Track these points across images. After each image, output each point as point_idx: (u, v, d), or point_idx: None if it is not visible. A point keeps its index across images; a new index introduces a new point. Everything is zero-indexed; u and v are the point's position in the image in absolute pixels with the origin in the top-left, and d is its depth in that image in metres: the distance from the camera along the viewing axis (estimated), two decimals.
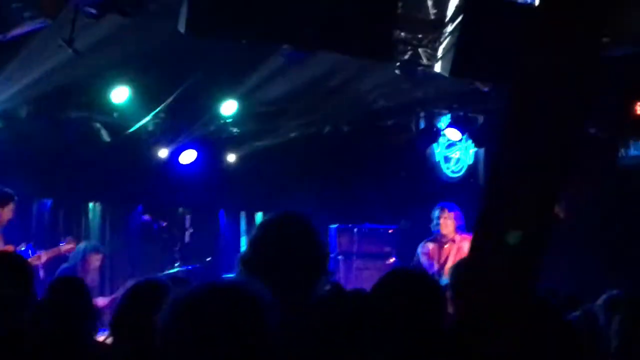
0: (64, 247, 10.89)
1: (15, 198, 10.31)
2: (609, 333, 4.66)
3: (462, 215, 10.47)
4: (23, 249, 10.53)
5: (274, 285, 3.98)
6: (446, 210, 10.48)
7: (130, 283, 4.22)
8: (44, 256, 10.56)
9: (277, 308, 2.71)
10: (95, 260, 10.87)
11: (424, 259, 10.49)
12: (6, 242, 10.26)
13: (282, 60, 10.00)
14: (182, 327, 2.56)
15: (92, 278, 10.68)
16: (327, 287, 4.17)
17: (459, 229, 10.42)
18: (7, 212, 10.24)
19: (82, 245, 11.03)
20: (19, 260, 5.16)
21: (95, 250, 11.01)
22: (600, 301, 5.06)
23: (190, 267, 11.47)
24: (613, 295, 5.05)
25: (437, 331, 3.55)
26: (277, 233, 4.03)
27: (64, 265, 10.80)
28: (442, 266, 10.32)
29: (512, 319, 2.61)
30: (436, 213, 10.51)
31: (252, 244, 4.06)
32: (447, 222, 10.40)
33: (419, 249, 10.62)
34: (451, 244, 10.41)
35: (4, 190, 10.21)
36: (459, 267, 5.27)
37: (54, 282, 5.15)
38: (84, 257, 10.79)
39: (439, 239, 10.48)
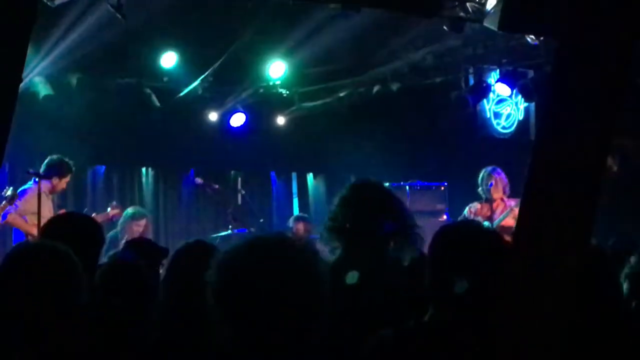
0: (111, 212, 10.92)
1: (73, 170, 10.38)
2: None
3: (505, 177, 10.55)
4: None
5: (361, 245, 4.16)
6: (495, 175, 10.53)
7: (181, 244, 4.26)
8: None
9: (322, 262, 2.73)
10: (137, 227, 10.87)
11: (469, 216, 10.59)
12: (60, 208, 10.34)
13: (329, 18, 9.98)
14: (231, 279, 2.58)
15: None
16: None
17: (505, 191, 10.49)
18: (63, 183, 10.32)
19: (128, 210, 11.06)
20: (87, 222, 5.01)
21: (138, 217, 10.99)
22: None
23: (243, 230, 11.51)
24: None
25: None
26: (362, 196, 4.29)
27: (111, 232, 10.88)
28: (488, 220, 10.37)
29: (566, 276, 2.61)
30: (485, 178, 10.56)
31: (340, 205, 4.31)
32: (496, 187, 10.46)
33: (467, 209, 10.72)
34: (499, 202, 10.47)
35: (65, 161, 10.26)
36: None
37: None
38: (124, 225, 10.85)
39: (488, 200, 10.55)
